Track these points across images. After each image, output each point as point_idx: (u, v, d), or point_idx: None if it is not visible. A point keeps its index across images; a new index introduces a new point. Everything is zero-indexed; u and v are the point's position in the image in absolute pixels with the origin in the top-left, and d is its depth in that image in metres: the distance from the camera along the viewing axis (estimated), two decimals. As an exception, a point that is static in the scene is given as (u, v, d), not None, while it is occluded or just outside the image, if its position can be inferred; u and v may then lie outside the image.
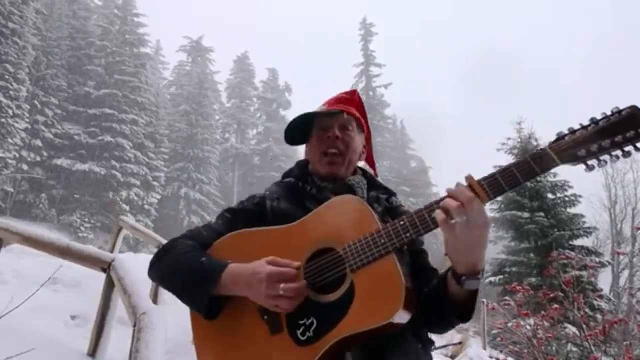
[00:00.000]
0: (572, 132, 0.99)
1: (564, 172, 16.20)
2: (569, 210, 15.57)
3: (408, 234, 1.03)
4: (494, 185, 0.98)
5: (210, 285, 1.07)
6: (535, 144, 16.63)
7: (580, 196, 15.90)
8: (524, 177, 0.97)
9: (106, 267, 3.70)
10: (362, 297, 1.01)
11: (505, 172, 0.98)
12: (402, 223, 1.04)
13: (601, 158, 0.95)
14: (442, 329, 1.19)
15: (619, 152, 0.94)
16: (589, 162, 0.96)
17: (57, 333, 3.81)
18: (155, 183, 29.89)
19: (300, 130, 1.35)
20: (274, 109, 43.57)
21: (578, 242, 15.07)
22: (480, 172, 1.02)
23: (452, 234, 0.96)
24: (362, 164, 1.43)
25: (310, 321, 1.03)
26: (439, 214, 0.97)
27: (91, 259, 3.76)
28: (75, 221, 26.38)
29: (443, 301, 1.06)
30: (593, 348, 4.78)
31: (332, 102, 1.37)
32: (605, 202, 23.66)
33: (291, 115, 45.15)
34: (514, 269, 14.45)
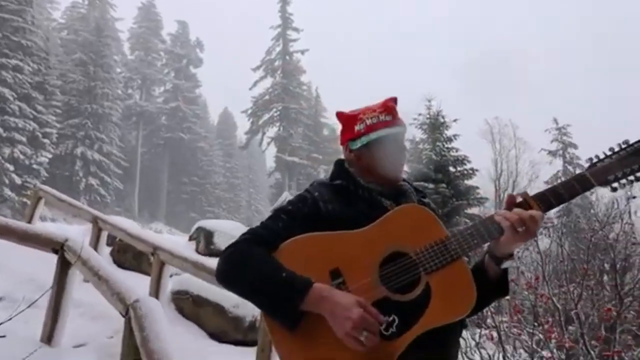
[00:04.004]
0: (600, 159, 1.26)
1: (464, 147, 18.07)
2: (466, 182, 17.46)
3: (475, 241, 1.22)
4: (545, 201, 1.23)
5: (298, 301, 1.14)
6: (442, 120, 18.20)
7: (476, 170, 17.90)
8: (568, 195, 1.23)
9: (58, 248, 3.43)
10: (439, 295, 1.18)
11: (553, 190, 1.24)
12: (469, 231, 1.23)
13: (622, 182, 1.24)
14: (480, 309, 1.41)
15: (632, 178, 1.24)
16: (614, 185, 1.24)
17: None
18: (45, 140, 26.57)
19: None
20: (183, 65, 40.82)
21: (471, 211, 17.08)
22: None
23: (513, 237, 1.20)
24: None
25: (392, 318, 1.15)
26: (503, 222, 1.20)
27: (39, 239, 3.45)
28: (-57, 181, 22.68)
29: (485, 284, 1.27)
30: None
31: (394, 113, 1.43)
32: (492, 174, 26.69)
33: (202, 73, 42.85)
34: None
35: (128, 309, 2.45)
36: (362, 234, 1.24)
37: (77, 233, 6.42)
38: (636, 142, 1.23)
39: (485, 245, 1.30)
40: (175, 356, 1.99)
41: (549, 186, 1.29)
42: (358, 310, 1.10)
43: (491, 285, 1.28)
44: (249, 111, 36.42)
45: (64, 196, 6.43)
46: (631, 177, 1.23)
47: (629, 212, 4.70)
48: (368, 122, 1.40)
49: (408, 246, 1.21)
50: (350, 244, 1.23)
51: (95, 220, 5.72)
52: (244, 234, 1.30)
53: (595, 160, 1.26)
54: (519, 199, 1.24)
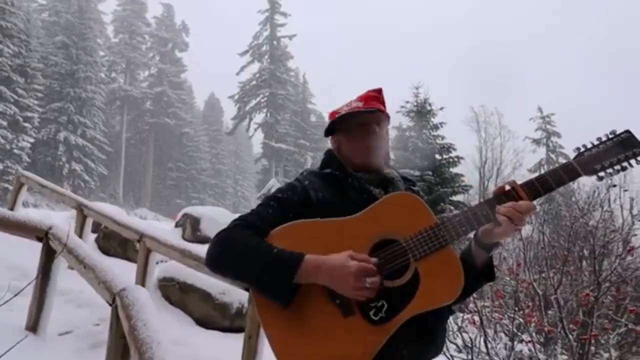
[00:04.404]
0: (588, 149, 1.27)
1: (449, 135, 18.18)
2: (451, 169, 17.61)
3: (464, 228, 1.23)
4: (533, 190, 1.24)
5: (292, 274, 1.15)
6: (429, 108, 18.25)
7: (462, 158, 18.02)
8: (556, 184, 1.24)
9: (43, 235, 3.39)
10: (428, 281, 1.19)
11: (540, 179, 1.24)
12: (457, 219, 1.24)
13: (608, 171, 1.25)
14: (467, 296, 1.41)
15: (619, 167, 1.25)
16: (600, 174, 1.25)
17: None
18: (26, 124, 26.02)
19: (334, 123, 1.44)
20: (169, 49, 40.11)
21: (455, 198, 17.26)
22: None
23: (509, 230, 1.21)
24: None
25: (380, 303, 1.17)
26: (505, 221, 1.19)
27: (23, 227, 3.40)
28: None
29: (472, 270, 1.30)
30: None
31: (367, 100, 1.44)
32: (476, 162, 26.95)
33: (188, 58, 42.10)
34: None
35: (115, 298, 2.44)
36: (353, 221, 1.25)
37: (61, 220, 6.33)
38: (623, 133, 1.25)
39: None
40: (163, 345, 1.99)
41: (535, 174, 1.31)
42: (353, 263, 1.14)
43: (478, 271, 1.32)
44: (236, 97, 36.01)
45: (47, 182, 6.28)
46: (617, 167, 1.24)
47: (609, 200, 4.81)
48: (342, 112, 1.43)
49: (398, 233, 1.23)
50: (341, 231, 1.24)
51: (79, 207, 5.63)
52: (234, 220, 1.30)
53: (582, 149, 1.27)
54: (507, 188, 1.25)
